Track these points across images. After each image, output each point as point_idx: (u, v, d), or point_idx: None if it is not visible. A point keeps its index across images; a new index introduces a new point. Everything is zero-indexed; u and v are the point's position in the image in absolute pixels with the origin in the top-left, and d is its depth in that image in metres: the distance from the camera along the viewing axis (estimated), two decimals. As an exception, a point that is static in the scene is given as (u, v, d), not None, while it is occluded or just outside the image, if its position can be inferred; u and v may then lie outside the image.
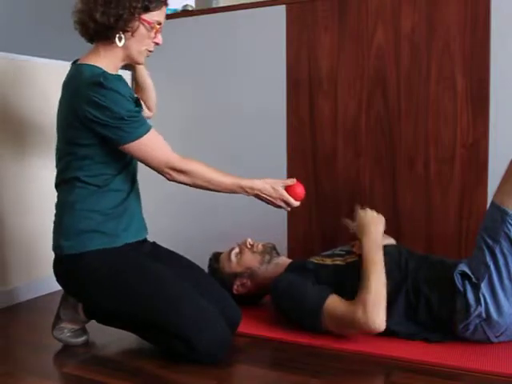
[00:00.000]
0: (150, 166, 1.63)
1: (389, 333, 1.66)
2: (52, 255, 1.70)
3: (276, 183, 1.74)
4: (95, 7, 1.59)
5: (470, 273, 1.63)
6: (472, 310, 1.60)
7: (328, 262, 1.89)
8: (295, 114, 2.45)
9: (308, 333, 1.74)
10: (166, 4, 1.69)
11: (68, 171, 1.65)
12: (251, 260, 1.99)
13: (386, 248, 1.88)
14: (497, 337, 1.64)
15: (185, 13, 2.71)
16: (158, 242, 1.88)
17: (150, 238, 1.86)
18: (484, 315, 1.60)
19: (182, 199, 2.64)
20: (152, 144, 1.61)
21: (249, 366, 1.59)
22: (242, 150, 2.57)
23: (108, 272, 1.60)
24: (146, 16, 1.63)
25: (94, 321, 1.76)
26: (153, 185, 2.81)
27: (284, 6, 2.44)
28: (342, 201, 2.38)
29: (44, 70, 2.31)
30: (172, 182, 1.66)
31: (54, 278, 1.71)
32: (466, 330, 1.63)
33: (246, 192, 1.71)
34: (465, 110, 2.14)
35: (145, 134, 1.59)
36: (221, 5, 2.94)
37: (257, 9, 2.51)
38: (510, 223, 1.59)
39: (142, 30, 1.65)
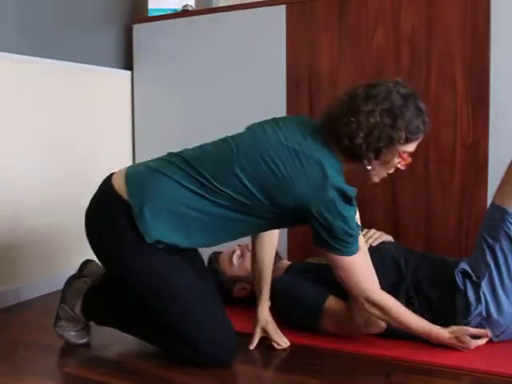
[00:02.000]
0: (350, 290, 1.58)
1: (389, 332, 1.66)
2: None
3: (463, 333, 1.61)
4: (357, 131, 1.46)
5: (470, 271, 1.64)
6: (472, 308, 1.60)
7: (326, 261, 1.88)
8: (295, 114, 2.44)
9: (307, 333, 1.74)
10: (423, 133, 1.54)
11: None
12: None
13: (383, 246, 1.88)
14: (497, 336, 1.64)
15: (185, 13, 2.71)
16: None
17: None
18: (484, 314, 1.60)
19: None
20: (358, 269, 1.55)
21: (248, 365, 1.59)
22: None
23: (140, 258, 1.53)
24: (402, 147, 1.51)
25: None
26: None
27: (284, 5, 2.44)
28: (342, 201, 2.37)
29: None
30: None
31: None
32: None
33: (430, 338, 1.62)
34: (465, 111, 2.15)
35: (355, 254, 1.53)
36: (221, 5, 2.94)
37: (257, 9, 2.51)
38: (510, 222, 1.59)
39: (393, 159, 1.53)
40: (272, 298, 1.84)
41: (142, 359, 1.62)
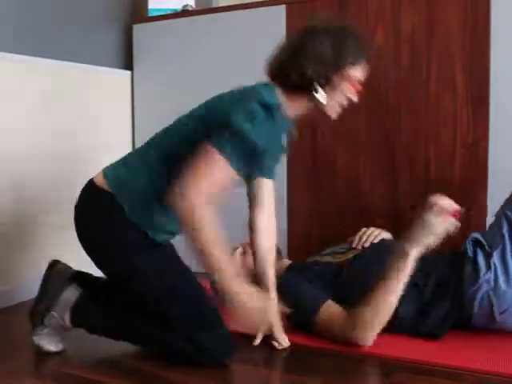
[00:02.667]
0: (188, 179, 1.45)
1: (397, 324, 1.65)
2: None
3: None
4: (305, 60, 1.51)
5: (483, 240, 1.65)
6: (481, 274, 1.62)
7: (328, 259, 1.88)
8: (295, 114, 2.44)
9: (307, 333, 1.73)
10: (367, 60, 1.59)
11: None
12: None
13: (385, 242, 1.89)
14: (501, 313, 1.63)
15: (185, 13, 2.71)
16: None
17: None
18: (492, 283, 1.61)
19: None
20: (213, 170, 1.45)
21: (248, 365, 1.58)
22: (242, 150, 2.57)
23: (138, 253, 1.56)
24: (351, 72, 1.55)
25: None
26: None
27: (284, 5, 2.44)
28: (342, 201, 2.38)
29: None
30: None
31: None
32: (474, 298, 1.63)
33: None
34: (465, 110, 2.14)
35: (226, 159, 1.44)
36: (221, 5, 2.94)
37: (257, 9, 2.51)
38: None
39: (342, 86, 1.56)
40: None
41: (140, 359, 1.62)
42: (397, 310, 1.63)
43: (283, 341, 1.68)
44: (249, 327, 1.61)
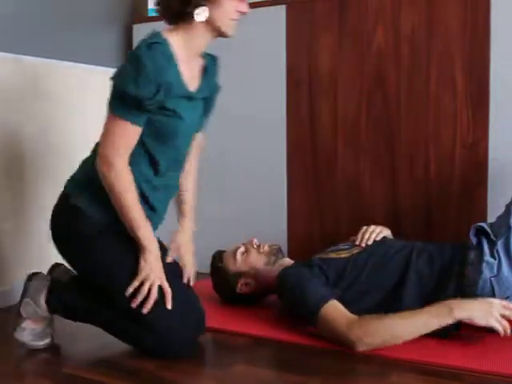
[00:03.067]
0: (100, 148, 1.57)
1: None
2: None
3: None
4: None
5: (488, 229, 1.68)
6: (485, 258, 1.64)
7: (333, 255, 1.88)
8: (295, 114, 2.44)
9: (307, 333, 1.73)
10: None
11: None
12: (257, 260, 1.99)
13: (387, 240, 1.90)
14: (506, 297, 1.63)
15: (185, 13, 2.70)
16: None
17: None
18: (496, 270, 1.63)
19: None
20: (117, 133, 1.54)
21: (248, 366, 1.58)
22: (242, 150, 2.57)
23: (97, 242, 1.62)
24: None
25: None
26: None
27: (284, 5, 2.44)
28: (342, 201, 2.38)
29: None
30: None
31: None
32: (476, 283, 1.64)
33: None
34: (464, 110, 2.14)
35: (122, 119, 1.53)
36: (221, 5, 2.94)
37: (257, 9, 2.50)
38: None
39: (223, 0, 1.58)
40: (278, 285, 1.84)
41: (140, 359, 1.61)
42: (401, 299, 1.66)
43: (192, 265, 1.78)
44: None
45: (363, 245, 1.89)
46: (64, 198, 1.68)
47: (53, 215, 1.71)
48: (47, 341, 1.72)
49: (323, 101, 2.38)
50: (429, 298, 1.66)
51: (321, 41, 2.37)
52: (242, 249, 2.03)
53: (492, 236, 1.67)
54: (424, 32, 2.19)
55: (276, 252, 2.02)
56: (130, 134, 1.55)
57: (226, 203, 2.61)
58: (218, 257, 2.08)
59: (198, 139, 1.84)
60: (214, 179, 2.62)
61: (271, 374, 1.55)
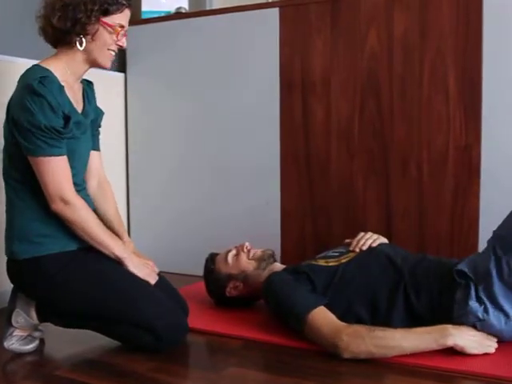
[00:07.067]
0: (44, 190, 1.58)
1: None
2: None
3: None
4: (52, 12, 1.59)
5: (470, 274, 1.60)
6: (469, 303, 1.57)
7: (321, 263, 1.88)
8: (288, 117, 2.45)
9: (300, 335, 1.73)
10: (128, 7, 1.68)
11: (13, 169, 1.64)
12: (247, 264, 1.99)
13: (380, 246, 1.89)
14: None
15: (178, 15, 2.71)
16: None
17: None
18: (481, 315, 1.57)
19: (170, 208, 2.64)
20: (51, 171, 1.56)
21: (241, 368, 1.58)
22: (235, 153, 2.57)
23: (64, 276, 1.62)
24: (107, 19, 1.63)
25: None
26: (140, 196, 2.81)
27: (277, 8, 2.44)
28: (336, 203, 2.38)
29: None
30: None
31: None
32: (461, 323, 1.60)
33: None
34: (457, 113, 2.15)
35: (51, 156, 1.55)
36: (214, 7, 2.94)
37: (250, 11, 2.51)
38: None
39: (103, 33, 1.64)
40: (264, 291, 1.84)
41: (135, 362, 1.61)
42: (391, 318, 1.65)
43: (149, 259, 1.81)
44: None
45: (357, 250, 1.89)
46: (12, 262, 1.68)
47: (15, 282, 1.72)
48: (34, 344, 1.72)
49: (316, 103, 2.39)
50: (418, 321, 1.64)
51: (314, 43, 2.38)
52: (234, 252, 2.03)
53: (474, 280, 1.59)
54: (417, 35, 2.20)
55: (268, 257, 2.02)
56: (62, 165, 1.58)
57: (218, 205, 2.60)
58: (211, 259, 2.09)
59: (96, 160, 1.88)
60: (207, 181, 2.62)
61: (264, 376, 1.55)
